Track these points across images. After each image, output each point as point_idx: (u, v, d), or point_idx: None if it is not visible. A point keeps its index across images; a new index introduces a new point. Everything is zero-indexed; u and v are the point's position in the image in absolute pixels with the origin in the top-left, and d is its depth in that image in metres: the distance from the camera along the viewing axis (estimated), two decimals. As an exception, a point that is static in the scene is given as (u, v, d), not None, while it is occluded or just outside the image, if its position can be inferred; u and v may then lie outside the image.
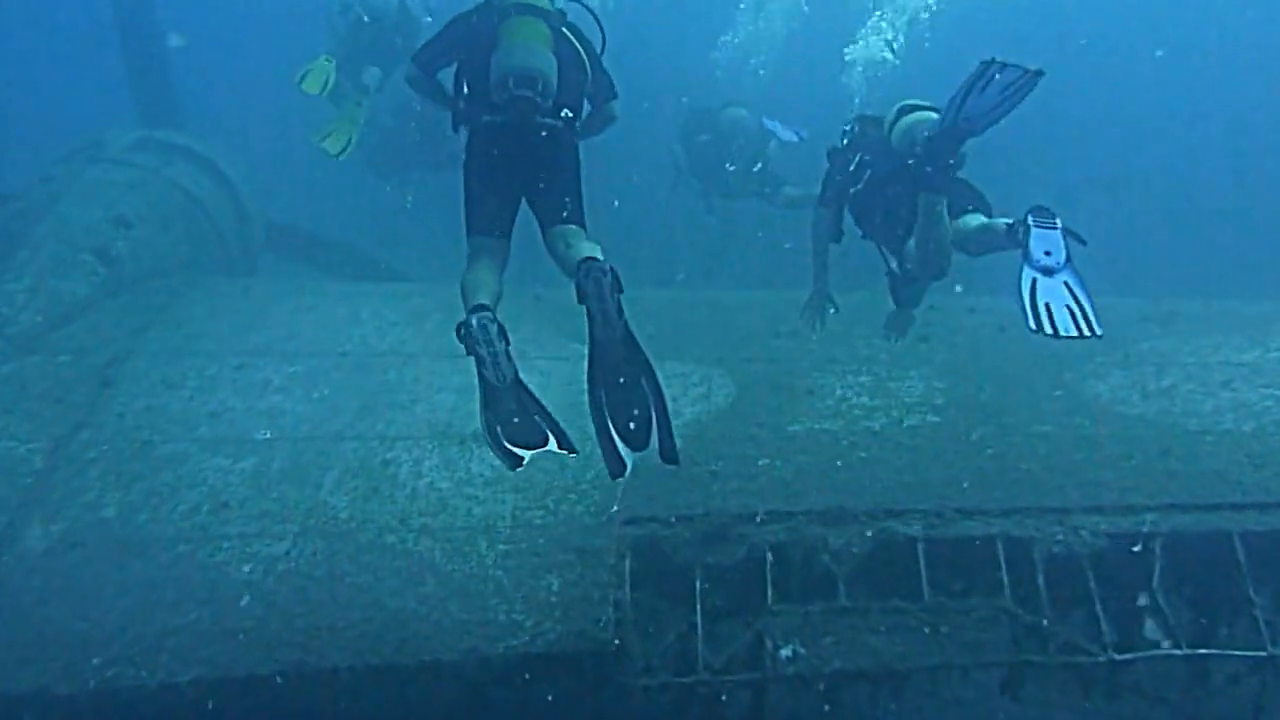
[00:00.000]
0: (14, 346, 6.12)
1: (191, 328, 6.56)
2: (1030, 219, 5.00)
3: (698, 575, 5.07)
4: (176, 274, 7.43)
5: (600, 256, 4.48)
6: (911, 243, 5.65)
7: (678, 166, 10.49)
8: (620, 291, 4.35)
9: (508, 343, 4.36)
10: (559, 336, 6.76)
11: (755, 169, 9.97)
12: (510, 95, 4.79)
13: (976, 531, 5.20)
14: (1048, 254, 4.97)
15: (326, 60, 8.54)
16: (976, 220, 5.50)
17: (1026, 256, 4.95)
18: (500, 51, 4.84)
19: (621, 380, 4.47)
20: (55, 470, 5.34)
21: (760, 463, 5.62)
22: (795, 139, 9.59)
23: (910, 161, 5.49)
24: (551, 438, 4.55)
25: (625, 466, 4.37)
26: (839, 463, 5.61)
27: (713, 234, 11.68)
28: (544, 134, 4.88)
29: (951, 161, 5.33)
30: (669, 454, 4.48)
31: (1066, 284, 4.94)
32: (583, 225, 4.98)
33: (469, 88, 4.96)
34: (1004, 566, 5.08)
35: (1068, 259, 4.98)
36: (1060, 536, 5.15)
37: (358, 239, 10.74)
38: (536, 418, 4.55)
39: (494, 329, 4.32)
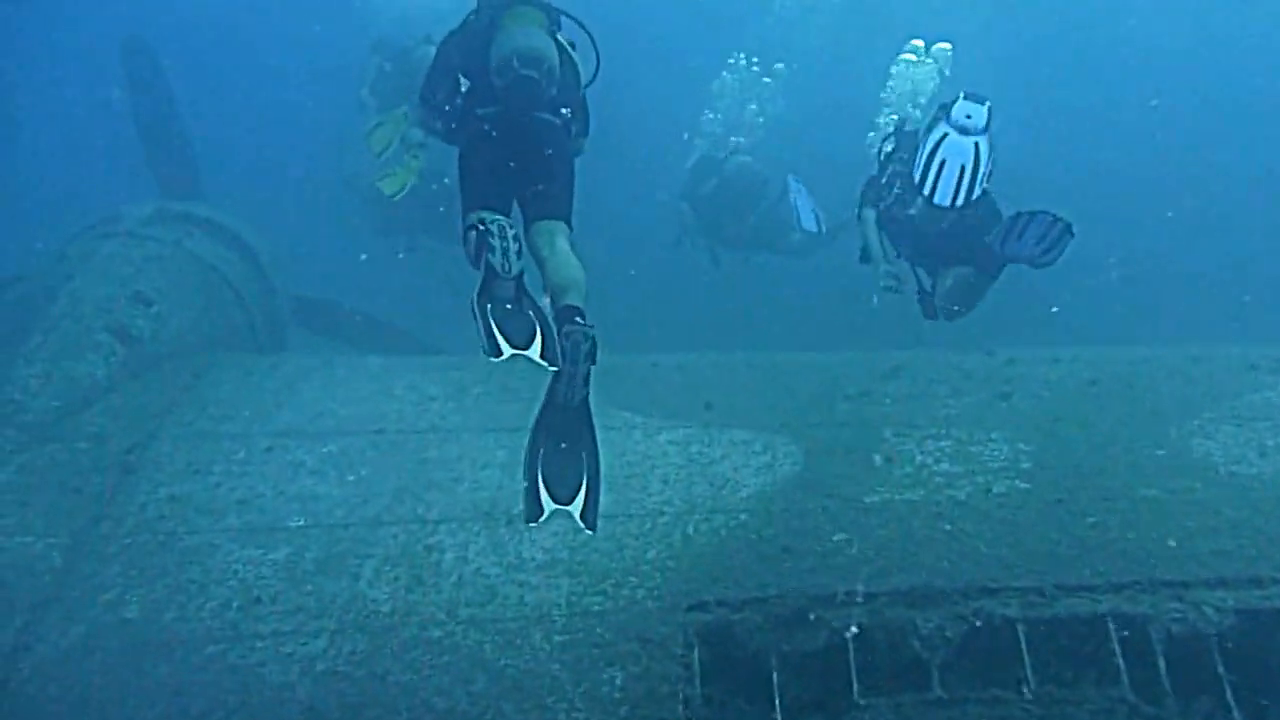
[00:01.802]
0: (29, 434, 6.07)
1: (217, 409, 6.49)
2: (962, 93, 5.68)
3: (774, 665, 4.88)
4: (199, 352, 7.37)
5: (582, 298, 4.67)
6: (949, 281, 6.22)
7: (683, 223, 10.64)
8: (594, 361, 4.54)
9: (520, 247, 4.49)
10: (606, 403, 6.61)
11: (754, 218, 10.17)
12: (515, 76, 4.90)
13: (1083, 610, 4.98)
14: (968, 117, 5.63)
15: (404, 115, 8.65)
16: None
17: (946, 114, 5.63)
18: (501, 35, 4.96)
19: (563, 446, 4.66)
20: (74, 567, 5.25)
21: (836, 538, 5.43)
22: (815, 228, 9.80)
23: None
24: (539, 340, 4.52)
25: (541, 511, 4.48)
26: (924, 537, 5.42)
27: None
28: (542, 128, 5.02)
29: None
30: (590, 520, 4.58)
31: (976, 146, 5.62)
32: (569, 223, 5.11)
33: (468, 80, 5.08)
34: (1118, 649, 4.84)
35: (987, 126, 5.63)
36: (1180, 614, 4.91)
37: (388, 311, 10.76)
38: (531, 313, 4.57)
39: (511, 232, 4.47)
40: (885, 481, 5.84)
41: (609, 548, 5.46)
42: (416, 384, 6.83)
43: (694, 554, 5.40)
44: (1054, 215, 5.28)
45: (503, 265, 4.47)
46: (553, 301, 4.75)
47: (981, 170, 5.61)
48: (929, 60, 9.63)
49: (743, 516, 5.64)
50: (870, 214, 6.69)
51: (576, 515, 4.56)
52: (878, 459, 6.01)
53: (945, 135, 5.60)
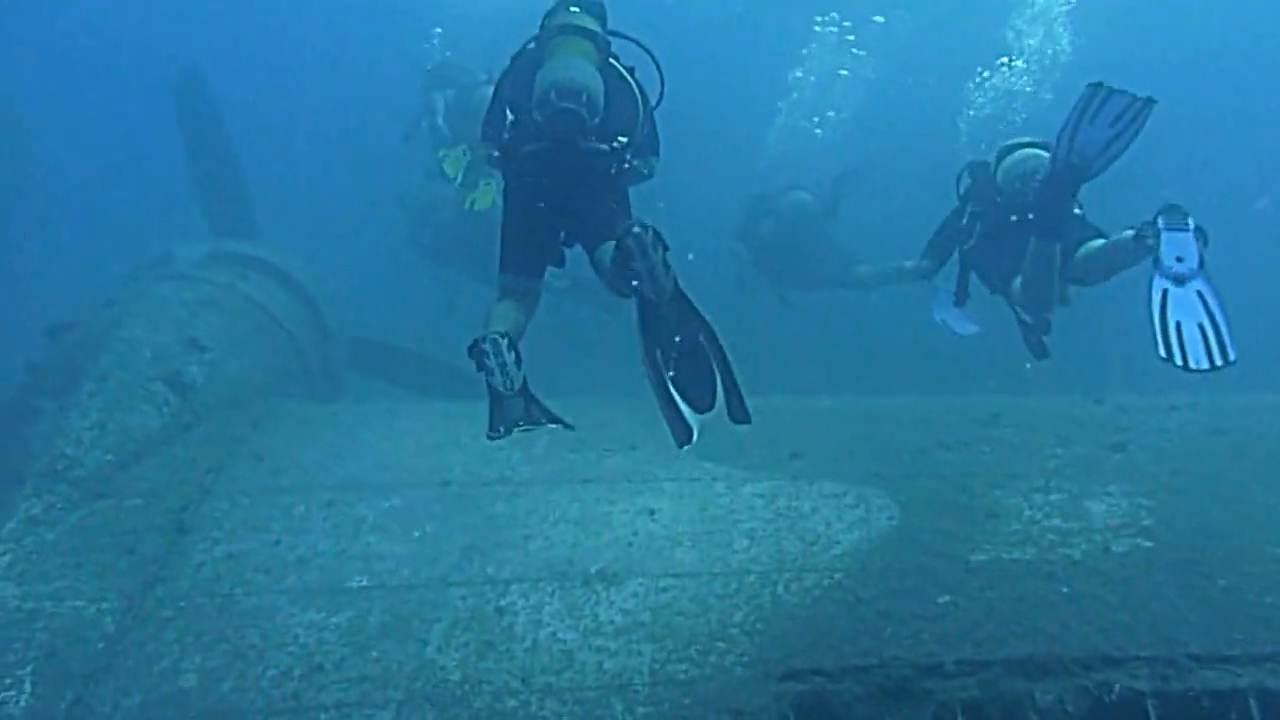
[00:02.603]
0: (81, 491, 6.02)
1: (274, 461, 6.43)
2: (1160, 220, 5.02)
3: (877, 742, 4.67)
4: (255, 401, 7.36)
5: None
6: (1018, 281, 6.02)
7: (742, 265, 10.50)
8: (666, 248, 4.50)
9: (518, 356, 4.76)
10: (688, 454, 6.48)
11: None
12: (553, 109, 4.94)
13: (1221, 684, 4.69)
14: (1179, 260, 4.99)
15: (464, 152, 8.82)
16: (1097, 242, 5.69)
17: (1157, 263, 4.99)
18: (544, 68, 5.03)
19: (678, 339, 4.66)
20: (128, 633, 5.16)
21: (940, 600, 5.20)
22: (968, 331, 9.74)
23: (1014, 217, 5.96)
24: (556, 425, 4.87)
25: (692, 431, 4.50)
26: (1038, 600, 5.17)
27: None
28: (592, 160, 5.01)
29: (1066, 207, 5.59)
30: (739, 413, 4.66)
31: (1200, 294, 4.98)
32: None
33: (513, 113, 5.16)
34: (1263, 728, 4.57)
35: (1201, 264, 4.98)
36: (1334, 690, 4.63)
37: (449, 352, 10.69)
38: (545, 421, 4.86)
39: (504, 342, 4.71)
40: (991, 539, 5.61)
41: (693, 609, 5.28)
42: (483, 432, 6.72)
43: (785, 617, 5.20)
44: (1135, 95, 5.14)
45: (504, 384, 4.78)
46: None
47: (1222, 323, 4.94)
48: None
49: (837, 576, 5.44)
50: (926, 264, 6.99)
51: (729, 418, 4.64)
52: (982, 514, 5.79)
53: (1165, 292, 5.01)
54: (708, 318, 4.69)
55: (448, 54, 10.68)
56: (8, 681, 4.92)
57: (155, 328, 7.40)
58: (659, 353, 4.59)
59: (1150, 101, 5.10)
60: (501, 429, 4.87)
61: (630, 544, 5.71)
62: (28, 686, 4.91)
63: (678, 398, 4.53)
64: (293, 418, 7.04)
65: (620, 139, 5.11)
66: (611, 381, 7.91)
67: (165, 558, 5.64)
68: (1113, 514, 5.73)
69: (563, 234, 5.28)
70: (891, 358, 11.90)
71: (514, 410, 4.85)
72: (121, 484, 6.19)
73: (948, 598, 5.21)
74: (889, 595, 5.27)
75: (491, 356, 4.70)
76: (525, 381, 4.83)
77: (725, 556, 5.62)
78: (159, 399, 6.80)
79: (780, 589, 5.38)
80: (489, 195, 8.28)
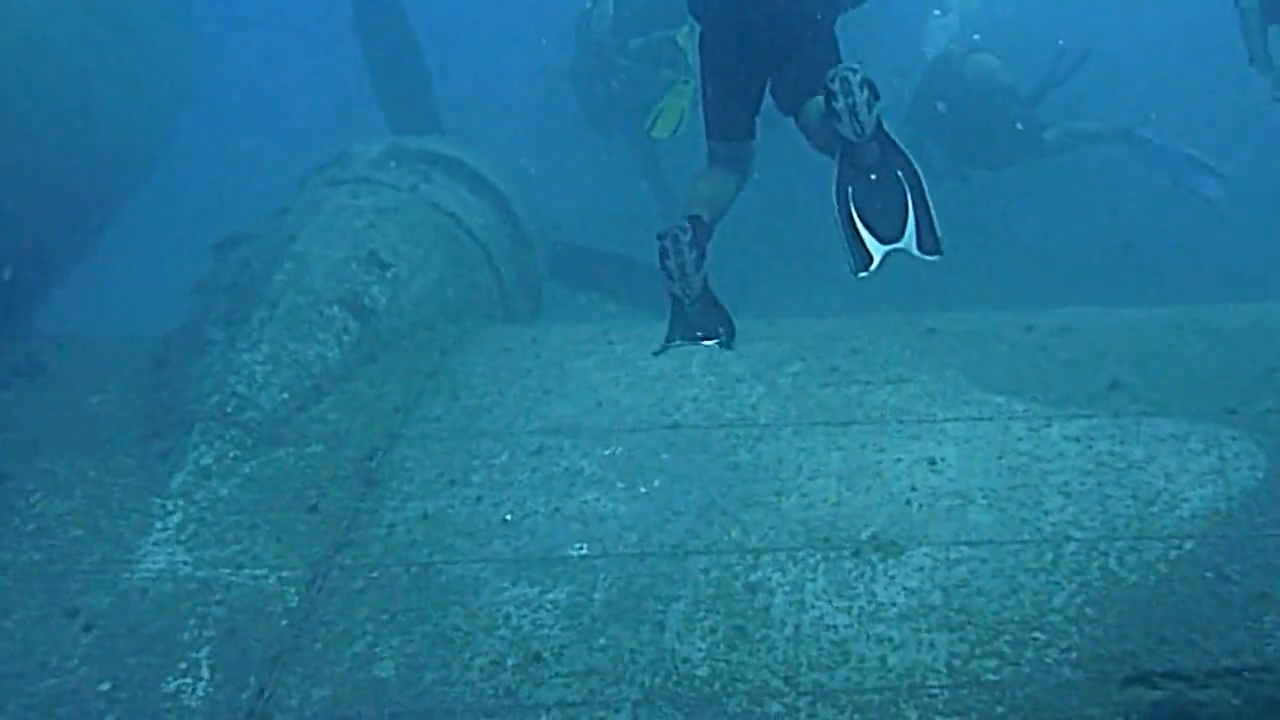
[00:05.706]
0: (255, 436, 5.73)
1: (470, 399, 5.99)
2: None
3: (1265, 772, 3.87)
4: (445, 324, 7.01)
5: None
6: None
7: (919, 145, 9.97)
8: (875, 94, 4.77)
9: (702, 254, 5.14)
10: (970, 384, 5.70)
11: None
12: None
13: None
14: None
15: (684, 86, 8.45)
16: None
17: None
18: None
19: (874, 177, 4.88)
20: (315, 609, 4.79)
21: (1343, 582, 4.30)
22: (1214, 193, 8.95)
23: None
24: (723, 335, 5.64)
25: (872, 258, 4.82)
26: None
27: None
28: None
29: None
30: (929, 243, 4.84)
31: None
32: None
33: None
34: None
35: None
36: None
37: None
38: (721, 329, 5.59)
39: (686, 238, 5.07)
40: (1404, 496, 4.65)
41: (999, 588, 4.52)
42: (715, 360, 6.09)
43: (1123, 600, 4.39)
44: None
45: (682, 289, 5.30)
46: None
47: None
48: None
49: (1188, 545, 4.58)
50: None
51: (913, 249, 4.84)
52: (1388, 461, 4.82)
53: None
54: (908, 154, 4.93)
55: None
56: (183, 666, 4.62)
57: (329, 242, 7.05)
58: (850, 189, 4.86)
59: None
60: (676, 339, 5.46)
61: (909, 503, 5.00)
62: (205, 672, 4.60)
63: (862, 226, 4.83)
64: (489, 344, 6.61)
65: None
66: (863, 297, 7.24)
67: (352, 517, 5.28)
68: None
69: (763, 87, 5.43)
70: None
71: (692, 318, 5.35)
72: (299, 427, 5.89)
73: (1352, 578, 4.31)
74: (1265, 572, 4.39)
75: (671, 256, 5.07)
76: (706, 283, 5.27)
77: (1034, 519, 4.84)
78: (337, 325, 6.47)
79: (1112, 562, 4.57)
80: (673, 114, 7.96)
